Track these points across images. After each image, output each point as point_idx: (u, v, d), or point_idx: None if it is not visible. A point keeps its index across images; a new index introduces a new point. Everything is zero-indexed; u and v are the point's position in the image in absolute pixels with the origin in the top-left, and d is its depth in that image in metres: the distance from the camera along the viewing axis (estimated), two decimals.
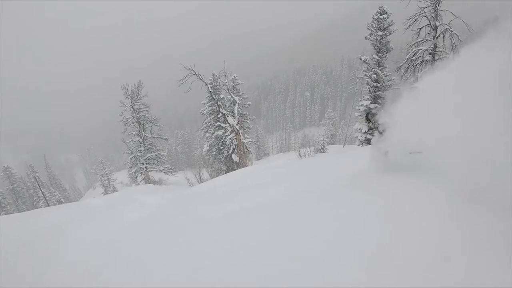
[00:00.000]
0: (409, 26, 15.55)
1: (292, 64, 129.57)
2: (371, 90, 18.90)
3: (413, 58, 15.87)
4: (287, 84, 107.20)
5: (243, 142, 21.07)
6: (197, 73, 19.68)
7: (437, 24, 15.04)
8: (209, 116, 21.91)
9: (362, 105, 18.95)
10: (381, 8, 17.83)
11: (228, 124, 20.86)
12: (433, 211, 2.71)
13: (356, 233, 2.75)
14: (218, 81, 21.49)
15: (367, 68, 19.04)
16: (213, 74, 21.59)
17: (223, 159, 22.05)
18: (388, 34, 18.15)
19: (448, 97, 2.74)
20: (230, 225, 3.85)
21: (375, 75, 18.50)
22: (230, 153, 21.22)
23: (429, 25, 15.27)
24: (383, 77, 18.65)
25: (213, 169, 19.96)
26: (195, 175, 16.67)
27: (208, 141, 22.38)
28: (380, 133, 4.45)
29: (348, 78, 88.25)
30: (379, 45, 18.44)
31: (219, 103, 20.63)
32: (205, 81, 20.02)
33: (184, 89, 19.51)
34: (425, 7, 15.13)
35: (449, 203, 2.71)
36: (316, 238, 2.86)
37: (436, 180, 3.11)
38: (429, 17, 15.12)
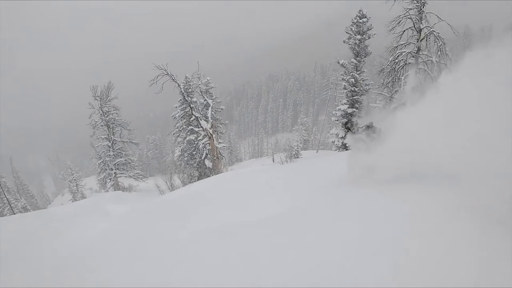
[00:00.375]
0: (393, 28, 15.24)
1: (266, 69, 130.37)
2: (348, 95, 18.74)
3: (396, 60, 15.69)
4: (260, 90, 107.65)
5: (216, 147, 20.39)
6: (169, 73, 18.66)
7: (422, 26, 14.82)
8: (181, 120, 21.05)
9: (339, 109, 18.85)
10: (361, 12, 17.79)
11: (201, 128, 20.07)
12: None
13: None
14: (191, 83, 20.68)
15: (345, 72, 18.95)
16: (186, 77, 20.68)
17: (195, 164, 21.20)
18: (367, 38, 18.09)
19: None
20: (196, 248, 3.37)
21: (353, 79, 18.38)
22: (203, 158, 20.35)
23: (413, 28, 15.03)
24: (361, 82, 18.62)
25: (185, 175, 19.18)
26: (166, 182, 15.86)
27: (180, 146, 21.50)
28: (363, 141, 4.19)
29: (321, 84, 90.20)
30: (357, 49, 18.34)
31: (192, 105, 19.75)
32: (177, 82, 19.04)
33: (155, 90, 18.57)
34: (410, 9, 14.85)
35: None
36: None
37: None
38: (413, 19, 14.87)
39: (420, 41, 15.00)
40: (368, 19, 17.89)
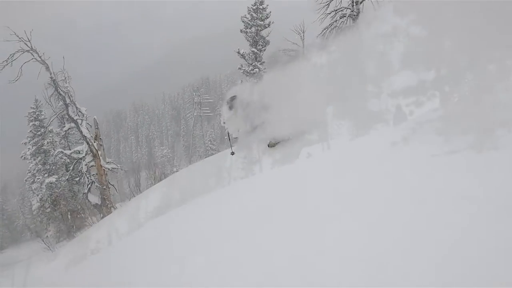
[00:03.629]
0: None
1: (113, 107, 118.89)
2: None
3: (335, 22, 15.90)
4: (109, 130, 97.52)
5: (104, 169, 15.09)
6: (37, 51, 13.39)
7: None
8: (35, 158, 16.20)
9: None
10: (259, 0, 17.91)
11: (76, 150, 15.16)
12: None
13: None
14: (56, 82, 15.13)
15: (247, 63, 18.57)
16: (52, 73, 14.75)
17: (65, 211, 16.14)
18: (266, 27, 18.19)
19: None
20: None
21: (257, 69, 18.13)
22: (86, 192, 15.21)
23: None
24: (263, 71, 18.19)
25: (51, 235, 14.72)
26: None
27: (38, 195, 16.40)
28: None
29: (171, 116, 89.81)
30: (256, 38, 18.25)
31: (68, 103, 14.45)
32: (49, 66, 13.92)
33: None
34: None
35: None
36: None
37: None
38: None
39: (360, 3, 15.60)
40: (265, 7, 18.04)
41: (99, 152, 15.07)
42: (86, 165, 15.26)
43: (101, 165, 15.17)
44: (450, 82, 4.51)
